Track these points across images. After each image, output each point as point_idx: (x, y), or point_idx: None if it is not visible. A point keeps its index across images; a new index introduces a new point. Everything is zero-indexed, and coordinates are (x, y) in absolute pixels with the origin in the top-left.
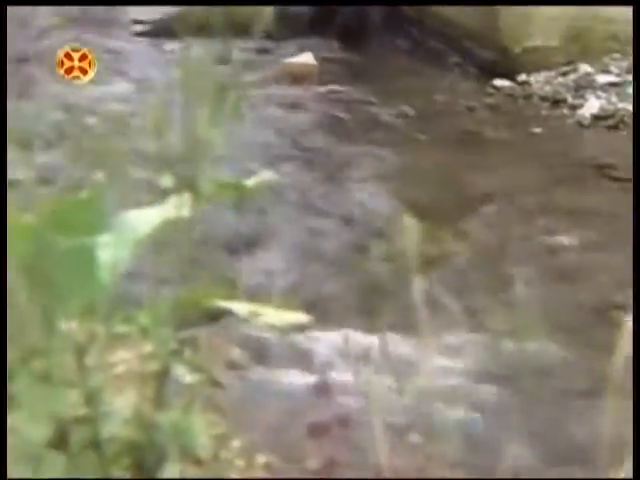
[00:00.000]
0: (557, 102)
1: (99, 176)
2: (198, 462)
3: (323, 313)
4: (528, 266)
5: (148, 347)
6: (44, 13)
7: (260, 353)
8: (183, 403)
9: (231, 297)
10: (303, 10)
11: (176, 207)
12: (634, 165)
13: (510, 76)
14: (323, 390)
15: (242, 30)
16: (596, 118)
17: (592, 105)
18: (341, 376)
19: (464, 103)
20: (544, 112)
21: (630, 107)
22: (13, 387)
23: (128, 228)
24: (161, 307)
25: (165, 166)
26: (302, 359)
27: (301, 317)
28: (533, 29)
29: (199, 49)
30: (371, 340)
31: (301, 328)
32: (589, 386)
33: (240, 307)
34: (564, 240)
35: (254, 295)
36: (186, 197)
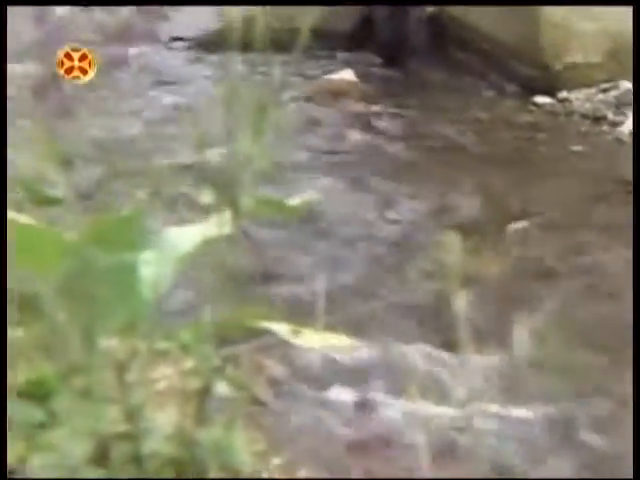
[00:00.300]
0: (598, 119)
1: (140, 193)
2: (239, 479)
3: (364, 330)
4: (567, 282)
5: (189, 364)
6: (82, 28)
7: (301, 370)
8: (224, 420)
9: (271, 316)
10: (343, 26)
11: (217, 224)
12: (634, 165)
13: (551, 93)
14: (364, 407)
15: (283, 45)
16: None
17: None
18: (383, 393)
19: (504, 120)
20: (584, 129)
21: None
22: (54, 404)
23: (169, 245)
24: (202, 324)
25: (206, 183)
26: (343, 376)
27: (343, 339)
28: (574, 46)
29: (240, 65)
30: (413, 357)
31: (342, 348)
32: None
33: (281, 327)
34: (604, 257)
35: (295, 313)
36: (227, 214)
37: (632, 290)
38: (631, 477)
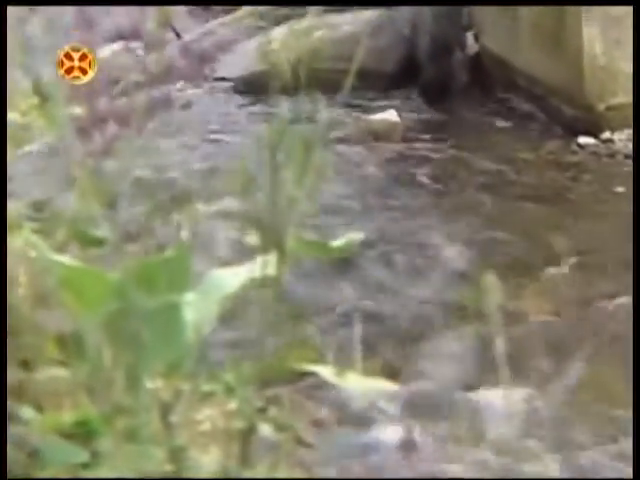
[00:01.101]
0: None
1: (185, 234)
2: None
3: (407, 371)
4: (606, 324)
5: (233, 405)
6: (126, 69)
7: (344, 412)
8: (269, 461)
9: (315, 359)
10: (387, 66)
11: (262, 266)
12: (634, 167)
13: (594, 134)
14: (409, 447)
15: (327, 86)
16: None
17: None
18: (421, 435)
19: (548, 160)
20: (627, 170)
21: None
22: (98, 445)
23: (214, 286)
24: (246, 366)
25: (251, 224)
26: (386, 417)
27: (386, 385)
28: (617, 87)
29: (284, 106)
30: (455, 397)
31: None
32: None
33: (324, 368)
34: None
35: (338, 356)
36: (272, 256)
37: (632, 290)
38: (631, 477)
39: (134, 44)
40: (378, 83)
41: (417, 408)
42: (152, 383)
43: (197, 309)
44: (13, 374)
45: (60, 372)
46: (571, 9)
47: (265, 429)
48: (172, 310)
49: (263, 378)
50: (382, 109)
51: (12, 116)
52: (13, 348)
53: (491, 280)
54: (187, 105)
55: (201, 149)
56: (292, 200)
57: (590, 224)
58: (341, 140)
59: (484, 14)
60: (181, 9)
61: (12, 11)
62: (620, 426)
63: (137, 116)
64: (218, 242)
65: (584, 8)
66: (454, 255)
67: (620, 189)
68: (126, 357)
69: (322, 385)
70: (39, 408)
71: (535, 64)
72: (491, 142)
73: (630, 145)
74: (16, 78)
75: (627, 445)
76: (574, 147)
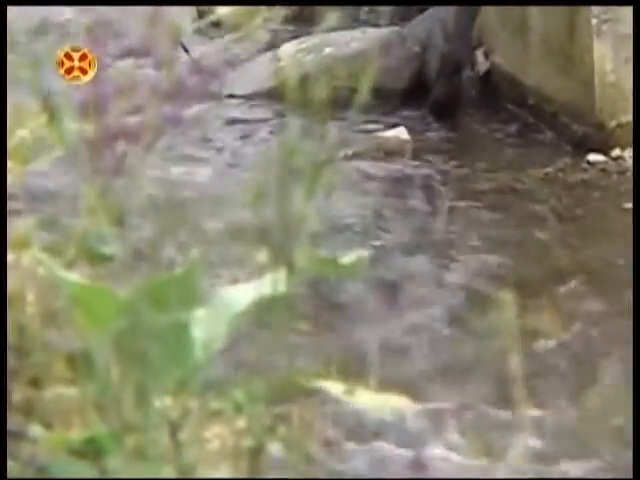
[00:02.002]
0: None
1: (195, 251)
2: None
3: (418, 388)
4: (618, 344)
5: (242, 423)
6: (136, 86)
7: (354, 429)
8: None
9: (325, 375)
10: (397, 83)
11: (272, 283)
12: (634, 168)
13: (604, 151)
14: (419, 465)
15: (337, 103)
16: None
17: None
18: (437, 451)
19: (558, 178)
20: None
21: None
22: (107, 463)
23: (223, 304)
24: (255, 383)
25: (260, 241)
26: (397, 434)
27: (398, 400)
28: (627, 104)
29: (295, 123)
30: (467, 416)
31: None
32: None
33: (334, 385)
34: None
35: (349, 373)
36: (282, 273)
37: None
38: (631, 477)
39: (144, 61)
40: (388, 100)
41: (428, 424)
42: (161, 401)
43: (206, 327)
44: (22, 392)
45: (69, 390)
46: (582, 27)
47: (274, 447)
48: (181, 328)
49: (272, 394)
50: (392, 126)
51: (21, 133)
52: (22, 366)
53: (505, 298)
54: (197, 123)
55: (212, 166)
56: (301, 216)
57: (600, 241)
58: (350, 157)
59: (494, 32)
60: (190, 26)
61: (21, 28)
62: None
63: (147, 133)
64: (228, 259)
65: (595, 26)
66: (462, 272)
67: (629, 205)
68: (135, 375)
69: (333, 402)
70: (48, 426)
71: (545, 82)
72: (501, 159)
73: None
74: (25, 95)
75: None
76: (584, 164)
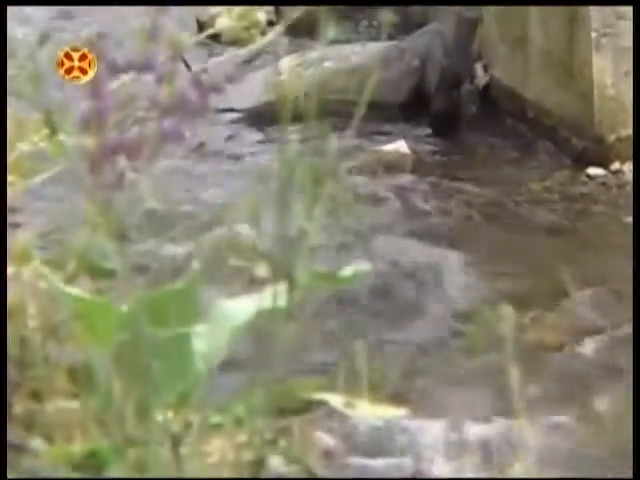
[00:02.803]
0: None
1: (195, 265)
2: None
3: (418, 402)
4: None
5: (243, 437)
6: (136, 101)
7: (355, 442)
8: None
9: (325, 388)
10: (396, 97)
11: (272, 297)
12: (634, 181)
13: (604, 165)
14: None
15: (337, 117)
16: None
17: None
18: (439, 466)
19: (558, 191)
20: None
21: None
22: (108, 477)
23: (223, 317)
24: (256, 397)
25: (261, 256)
26: (398, 447)
27: (398, 411)
28: (627, 118)
29: (294, 137)
30: (467, 429)
31: (397, 420)
32: None
33: (334, 398)
34: None
35: (349, 386)
36: (282, 287)
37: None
38: (631, 477)
39: (145, 75)
40: (388, 114)
41: (429, 438)
42: (162, 415)
43: (207, 340)
44: (23, 405)
45: (70, 404)
46: (581, 40)
47: (275, 461)
48: (182, 342)
49: (272, 408)
50: (392, 140)
51: (22, 147)
52: (23, 379)
53: (506, 311)
54: (197, 137)
55: (212, 181)
56: (301, 231)
57: (600, 255)
58: (350, 171)
59: (494, 45)
60: (191, 41)
61: (24, 43)
62: None
63: (148, 148)
64: (228, 273)
65: (594, 40)
66: (462, 286)
67: (629, 219)
68: (136, 388)
69: (333, 415)
70: (49, 439)
71: (545, 95)
72: (500, 173)
73: None
74: (26, 109)
75: None
76: (583, 178)
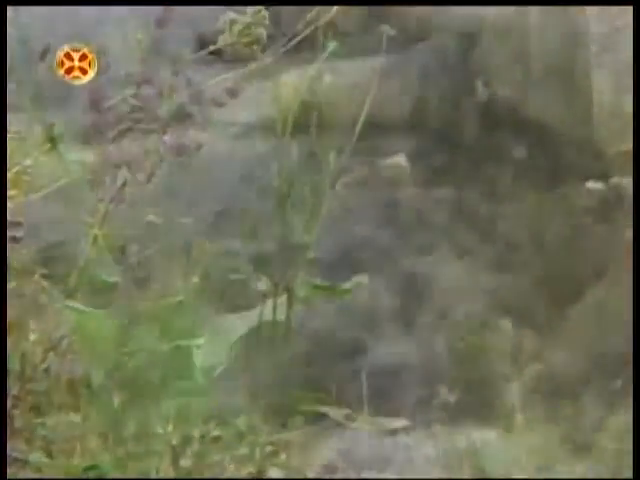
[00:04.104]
0: None
1: (195, 279)
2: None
3: (418, 415)
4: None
5: (243, 450)
6: (138, 114)
7: (355, 455)
8: None
9: (326, 401)
10: (396, 111)
11: (272, 310)
12: (634, 168)
13: (603, 179)
14: None
15: (337, 131)
16: None
17: None
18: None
19: (556, 205)
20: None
21: None
22: None
23: (224, 330)
24: (256, 410)
25: (261, 269)
26: (398, 461)
27: (398, 422)
28: (626, 132)
29: (294, 151)
30: (467, 442)
31: (397, 432)
32: None
33: (335, 411)
34: None
35: (349, 399)
36: (282, 300)
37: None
38: (631, 477)
39: (146, 90)
40: (387, 128)
41: (429, 450)
42: (163, 428)
43: (207, 353)
44: (24, 419)
45: (71, 417)
46: (581, 55)
47: (275, 473)
48: (182, 354)
49: (273, 421)
50: (391, 154)
51: (24, 162)
52: (24, 393)
53: (504, 325)
54: (198, 150)
55: (212, 193)
56: (301, 244)
57: (598, 269)
58: (350, 184)
59: (493, 60)
60: (191, 55)
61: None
62: None
63: (148, 161)
64: (229, 286)
65: (594, 55)
66: (462, 299)
67: (627, 234)
68: (137, 402)
69: (334, 428)
70: (50, 453)
71: (545, 110)
72: (499, 186)
73: None
74: (28, 125)
75: None
76: (582, 192)
